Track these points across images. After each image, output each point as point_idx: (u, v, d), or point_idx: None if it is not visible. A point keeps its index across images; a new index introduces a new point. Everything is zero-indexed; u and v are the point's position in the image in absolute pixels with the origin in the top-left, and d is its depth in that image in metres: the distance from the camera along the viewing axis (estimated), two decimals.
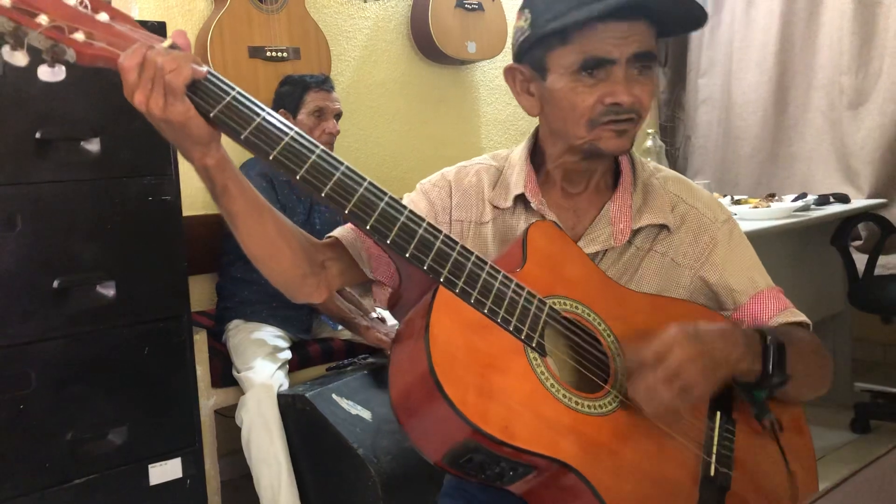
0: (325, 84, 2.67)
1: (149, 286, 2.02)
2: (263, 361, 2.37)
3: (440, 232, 1.01)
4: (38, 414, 1.86)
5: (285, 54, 2.89)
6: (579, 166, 1.18)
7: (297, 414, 2.24)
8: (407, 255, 0.98)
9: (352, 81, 3.32)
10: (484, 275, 1.00)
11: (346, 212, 0.97)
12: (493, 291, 0.99)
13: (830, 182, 3.69)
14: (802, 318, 1.20)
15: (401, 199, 1.23)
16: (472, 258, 1.01)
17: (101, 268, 1.95)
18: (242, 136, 0.93)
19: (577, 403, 0.98)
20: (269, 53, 2.86)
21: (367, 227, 0.97)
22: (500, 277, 1.01)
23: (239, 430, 2.31)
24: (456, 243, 1.01)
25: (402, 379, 0.95)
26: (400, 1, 3.46)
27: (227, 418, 2.50)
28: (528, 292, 1.02)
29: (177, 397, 2.08)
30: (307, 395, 2.21)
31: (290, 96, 2.65)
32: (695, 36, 4.21)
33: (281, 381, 2.34)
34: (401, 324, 1.03)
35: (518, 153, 1.24)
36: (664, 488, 1.00)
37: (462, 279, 0.98)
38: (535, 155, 1.23)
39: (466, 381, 0.91)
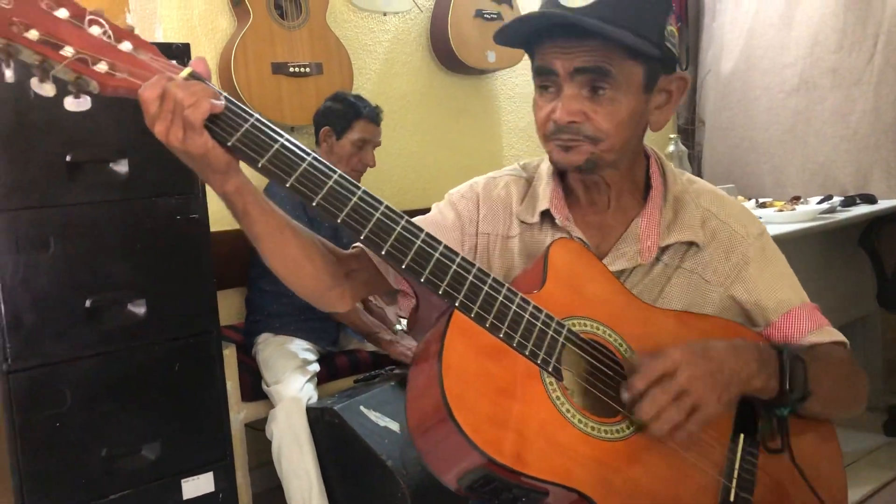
0: (376, 116, 2.70)
1: (178, 303, 2.05)
2: (293, 375, 2.39)
3: (457, 255, 1.00)
4: (74, 431, 1.89)
5: (308, 69, 2.92)
6: (580, 180, 1.17)
7: (326, 427, 2.26)
8: (422, 280, 0.97)
9: (373, 94, 3.34)
10: (501, 298, 0.99)
11: (362, 238, 0.97)
12: (510, 315, 0.98)
13: (812, 168, 3.64)
14: (838, 336, 1.17)
15: (428, 208, 1.24)
16: (489, 281, 1.00)
17: (132, 286, 1.98)
18: (259, 164, 0.94)
19: (593, 429, 0.97)
20: (292, 69, 2.89)
21: (382, 253, 0.97)
22: (517, 300, 1.00)
23: (268, 442, 2.34)
24: (472, 266, 1.00)
25: (417, 404, 0.95)
26: (419, 13, 3.49)
27: (256, 431, 2.53)
28: (546, 315, 1.01)
29: (208, 412, 2.11)
30: (336, 407, 2.23)
31: (339, 117, 2.67)
32: (704, 38, 4.21)
33: (310, 393, 2.37)
34: (418, 346, 1.03)
35: (546, 165, 1.23)
36: None
37: (477, 303, 0.97)
38: None
39: (479, 409, 0.90)
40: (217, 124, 0.93)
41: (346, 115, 2.66)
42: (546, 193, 1.19)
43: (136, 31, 0.95)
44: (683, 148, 3.40)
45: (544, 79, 1.09)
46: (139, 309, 1.99)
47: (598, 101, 1.07)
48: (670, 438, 0.98)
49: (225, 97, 0.95)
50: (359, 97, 2.75)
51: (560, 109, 1.07)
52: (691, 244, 1.16)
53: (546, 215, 1.19)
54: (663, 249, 1.16)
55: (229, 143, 0.93)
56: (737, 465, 1.03)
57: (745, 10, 3.93)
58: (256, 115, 0.96)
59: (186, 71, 0.94)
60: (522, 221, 1.20)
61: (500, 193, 1.23)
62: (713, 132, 4.13)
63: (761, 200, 3.28)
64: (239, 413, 2.39)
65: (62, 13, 0.89)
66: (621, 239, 1.17)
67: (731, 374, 0.99)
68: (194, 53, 2.18)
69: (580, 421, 0.96)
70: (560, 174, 1.21)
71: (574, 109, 1.06)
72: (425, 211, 1.31)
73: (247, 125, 0.94)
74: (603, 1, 1.03)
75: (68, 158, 1.88)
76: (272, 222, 1.05)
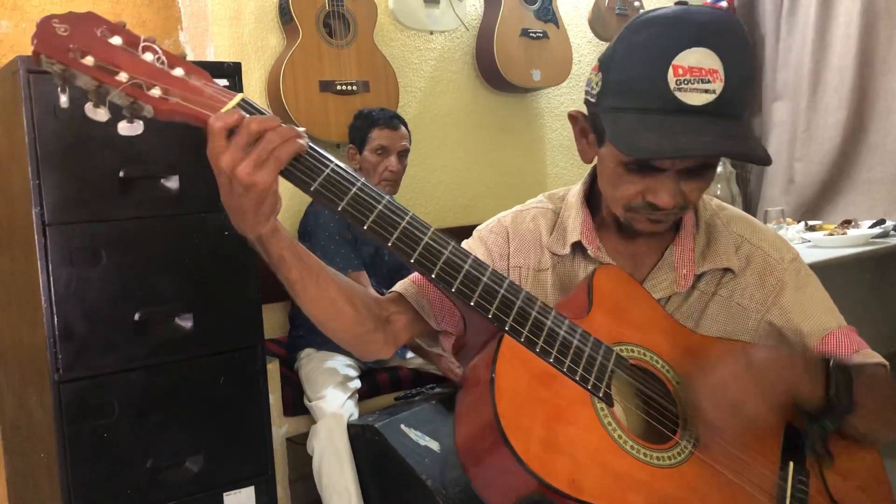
0: (391, 122, 2.69)
1: (224, 318, 2.08)
2: (334, 391, 2.40)
3: (504, 279, 1.00)
4: (121, 442, 1.93)
5: (355, 87, 2.95)
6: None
7: (366, 444, 2.27)
8: (472, 304, 0.97)
9: (418, 112, 3.37)
10: (549, 323, 0.99)
11: (412, 261, 0.96)
12: (559, 340, 0.98)
13: None
14: (878, 358, 1.16)
15: (472, 226, 1.24)
16: (537, 306, 1.00)
17: (180, 300, 2.02)
18: (340, 207, 0.93)
19: (645, 455, 0.96)
20: (339, 87, 2.92)
21: (433, 276, 0.97)
22: (565, 325, 1.00)
23: (309, 456, 2.35)
24: (520, 290, 1.00)
25: (468, 427, 0.94)
26: (465, 32, 3.50)
27: (297, 445, 2.54)
28: (595, 340, 1.01)
29: (251, 426, 2.13)
30: (376, 425, 2.23)
31: (357, 131, 2.70)
32: (768, 59, 4.14)
33: (351, 410, 2.37)
34: (466, 370, 1.02)
35: (574, 195, 1.23)
36: None
37: (527, 328, 0.97)
38: (593, 196, 1.21)
39: (532, 433, 0.89)
40: (297, 167, 0.92)
41: (363, 128, 2.69)
42: (576, 225, 1.19)
43: (190, 56, 0.96)
44: (731, 169, 3.36)
45: (641, 167, 1.05)
46: (186, 323, 2.02)
47: (695, 180, 1.07)
48: (710, 435, 0.99)
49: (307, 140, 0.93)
50: (377, 109, 2.75)
51: (665, 198, 1.05)
52: (726, 271, 1.17)
53: (577, 246, 1.19)
54: (699, 277, 1.16)
55: (312, 188, 0.92)
56: (788, 493, 1.02)
57: (828, 42, 3.87)
58: (335, 161, 0.95)
59: (238, 97, 0.93)
60: (554, 253, 1.20)
61: (528, 227, 1.23)
62: (798, 164, 4.08)
63: (810, 223, 3.22)
64: (281, 427, 2.41)
65: (116, 40, 0.89)
66: (656, 268, 1.17)
67: (775, 377, 0.98)
68: (245, 71, 2.22)
69: (632, 447, 0.96)
70: (589, 203, 1.21)
71: (677, 194, 1.06)
72: (469, 228, 1.31)
73: (327, 170, 0.93)
74: (728, 96, 0.99)
75: (121, 174, 1.93)
76: (308, 266, 1.04)
